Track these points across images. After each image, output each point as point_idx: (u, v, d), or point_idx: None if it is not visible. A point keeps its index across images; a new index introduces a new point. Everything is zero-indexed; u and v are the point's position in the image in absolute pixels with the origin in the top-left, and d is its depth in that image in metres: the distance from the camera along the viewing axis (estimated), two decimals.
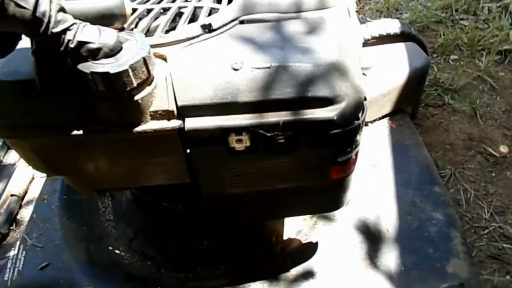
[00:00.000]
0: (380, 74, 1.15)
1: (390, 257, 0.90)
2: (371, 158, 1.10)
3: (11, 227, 0.90)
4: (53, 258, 0.84)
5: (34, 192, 0.97)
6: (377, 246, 0.91)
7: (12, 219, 0.91)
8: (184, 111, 0.52)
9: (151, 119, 0.52)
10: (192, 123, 0.52)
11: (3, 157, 1.19)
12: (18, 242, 0.86)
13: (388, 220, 0.96)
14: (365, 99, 0.58)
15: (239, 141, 0.54)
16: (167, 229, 0.96)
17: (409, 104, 1.25)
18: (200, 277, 0.89)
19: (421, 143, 1.15)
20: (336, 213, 0.98)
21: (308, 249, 0.90)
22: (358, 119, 0.56)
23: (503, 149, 1.37)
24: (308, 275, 0.86)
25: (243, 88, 0.52)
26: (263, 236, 0.95)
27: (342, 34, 0.59)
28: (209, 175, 0.60)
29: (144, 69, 0.47)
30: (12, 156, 1.19)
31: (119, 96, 0.48)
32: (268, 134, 0.53)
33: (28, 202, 0.96)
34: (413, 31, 1.30)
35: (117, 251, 0.93)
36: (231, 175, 0.60)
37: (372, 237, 0.93)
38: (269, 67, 0.52)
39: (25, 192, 0.98)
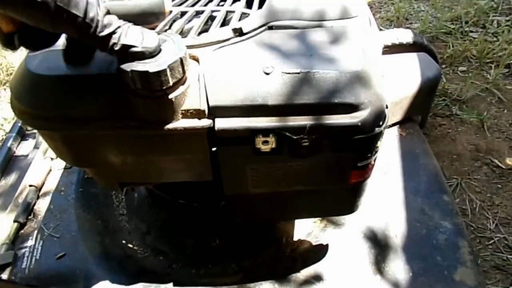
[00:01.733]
0: (392, 82, 1.17)
1: (398, 263, 0.91)
2: (381, 165, 1.11)
3: (29, 217, 0.91)
4: (70, 249, 0.85)
5: (51, 184, 0.99)
6: (386, 251, 0.93)
7: (30, 209, 0.93)
8: (214, 111, 0.54)
9: (182, 117, 0.54)
10: (222, 123, 0.54)
11: (16, 149, 1.21)
12: (35, 232, 0.88)
13: (397, 227, 0.98)
14: (387, 107, 0.60)
15: (266, 142, 0.56)
16: (179, 226, 0.98)
17: (419, 113, 1.27)
18: (212, 274, 0.90)
19: (430, 151, 1.17)
20: (346, 218, 1.00)
21: (318, 251, 0.92)
22: (380, 126, 0.58)
23: (510, 161, 1.39)
24: (317, 276, 0.87)
25: (273, 91, 0.54)
26: (274, 237, 0.96)
27: (365, 43, 0.61)
28: (233, 174, 0.62)
29: (180, 69, 0.49)
30: (24, 148, 1.21)
31: (155, 94, 0.50)
32: (294, 137, 0.55)
33: (46, 193, 0.97)
34: (425, 41, 1.32)
35: (130, 245, 0.94)
36: (254, 175, 0.62)
37: (381, 242, 0.95)
38: (298, 73, 0.54)
39: (43, 183, 0.99)
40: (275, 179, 0.64)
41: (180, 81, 0.51)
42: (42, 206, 0.94)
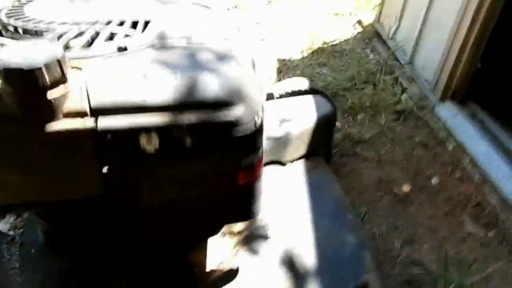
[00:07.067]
0: (292, 120, 1.30)
1: (308, 280, 0.93)
2: (290, 195, 1.18)
3: None
4: None
5: None
6: (296, 271, 0.94)
7: None
8: (97, 113, 0.57)
9: (65, 117, 0.56)
10: (104, 122, 0.57)
11: None
12: None
13: (306, 249, 1.01)
14: (262, 110, 0.68)
15: (150, 142, 0.59)
16: (82, 270, 0.90)
17: (322, 147, 1.40)
18: None
19: (334, 179, 1.28)
20: (259, 246, 1.01)
21: (230, 276, 0.90)
22: (255, 123, 0.65)
23: (406, 188, 1.56)
24: None
25: (152, 92, 0.59)
26: (186, 269, 0.93)
27: (242, 58, 0.71)
28: (123, 183, 0.63)
29: (58, 69, 0.53)
30: None
31: (32, 93, 0.52)
32: (175, 135, 0.59)
33: None
34: (319, 87, 1.52)
35: None
36: (144, 183, 0.64)
37: (292, 265, 0.97)
38: (175, 75, 0.61)
39: None
40: (166, 187, 0.65)
41: (60, 82, 0.54)
42: None
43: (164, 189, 0.66)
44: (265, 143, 1.18)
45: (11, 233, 0.97)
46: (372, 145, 1.81)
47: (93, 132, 0.57)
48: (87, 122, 0.56)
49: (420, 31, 2.47)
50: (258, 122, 0.65)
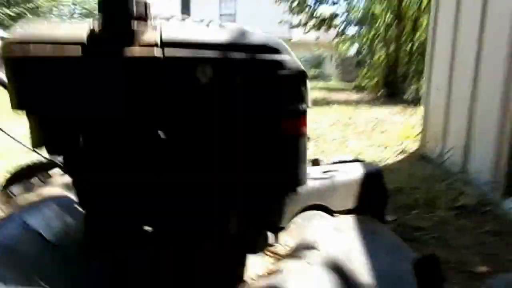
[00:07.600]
0: (338, 171, 1.28)
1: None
2: (340, 234, 1.07)
3: None
4: None
5: None
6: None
7: None
8: (166, 46, 0.69)
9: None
10: (170, 51, 0.68)
11: None
12: None
13: (361, 272, 0.87)
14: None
15: (204, 73, 0.68)
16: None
17: (373, 208, 1.31)
18: None
19: (388, 229, 1.15)
20: (305, 267, 0.89)
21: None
22: (299, 70, 0.72)
23: (484, 268, 1.32)
24: None
25: (211, 34, 0.72)
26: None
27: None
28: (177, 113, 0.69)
29: (143, 9, 0.69)
30: None
31: (121, 19, 0.67)
32: (227, 70, 0.68)
33: None
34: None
35: None
36: (194, 117, 0.69)
37: (344, 280, 0.82)
38: (232, 27, 0.74)
39: None
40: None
41: (142, 20, 0.70)
42: None
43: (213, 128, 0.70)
44: (310, 182, 1.16)
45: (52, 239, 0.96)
46: (434, 231, 1.64)
47: (159, 59, 0.68)
48: (156, 51, 0.68)
49: (466, 145, 2.52)
50: (302, 70, 0.72)
